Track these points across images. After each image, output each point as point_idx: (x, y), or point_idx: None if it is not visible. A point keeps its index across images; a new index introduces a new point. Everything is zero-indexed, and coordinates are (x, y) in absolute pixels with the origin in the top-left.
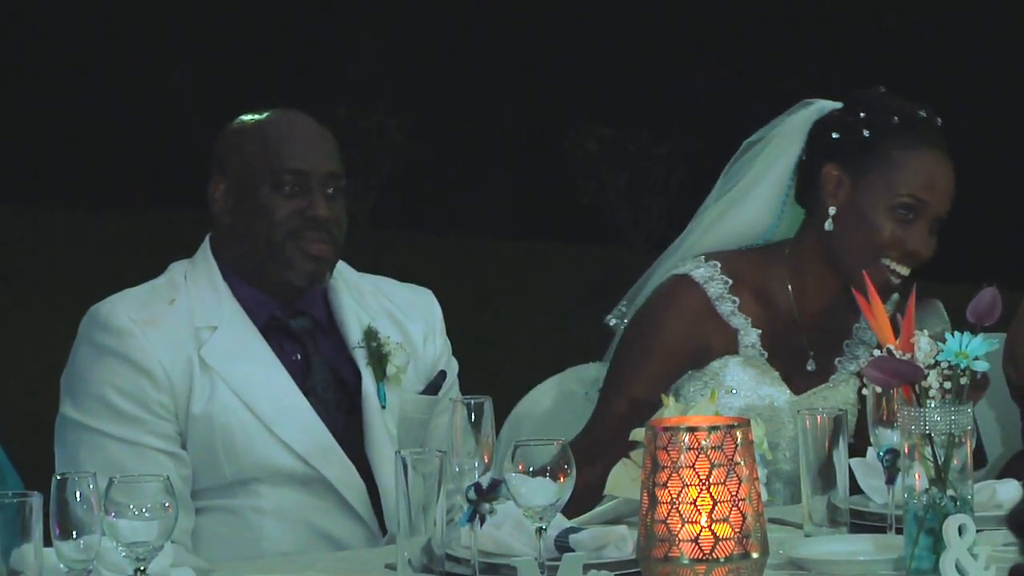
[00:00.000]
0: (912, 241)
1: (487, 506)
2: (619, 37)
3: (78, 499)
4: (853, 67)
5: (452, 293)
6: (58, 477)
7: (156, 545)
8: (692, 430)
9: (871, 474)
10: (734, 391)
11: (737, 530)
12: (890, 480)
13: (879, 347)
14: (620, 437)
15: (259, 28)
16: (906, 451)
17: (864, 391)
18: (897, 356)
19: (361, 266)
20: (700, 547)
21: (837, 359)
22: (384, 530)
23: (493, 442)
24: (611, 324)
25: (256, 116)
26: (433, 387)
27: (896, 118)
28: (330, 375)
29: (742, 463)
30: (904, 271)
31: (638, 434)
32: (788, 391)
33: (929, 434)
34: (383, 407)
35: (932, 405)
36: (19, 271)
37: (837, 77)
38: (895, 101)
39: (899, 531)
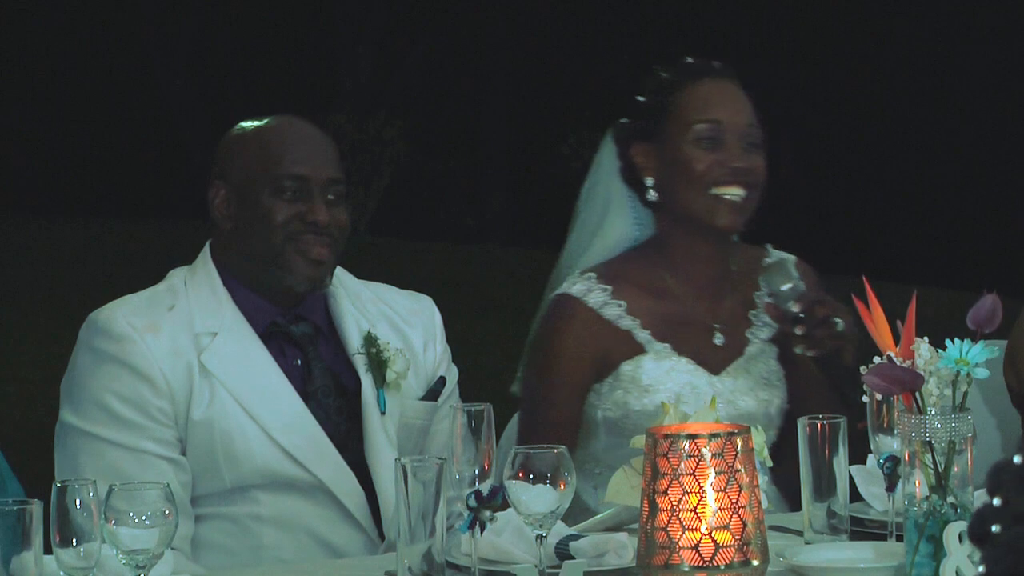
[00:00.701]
0: (729, 159)
1: (487, 513)
2: (618, 45)
3: (78, 506)
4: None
5: (452, 301)
6: (58, 484)
7: (156, 553)
8: (692, 437)
9: (871, 481)
10: (652, 387)
11: (737, 537)
12: (890, 487)
13: (880, 355)
14: None
15: (259, 40)
16: (906, 458)
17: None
18: (897, 363)
19: (361, 273)
20: (700, 554)
21: (747, 330)
22: (383, 536)
23: (493, 449)
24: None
25: (256, 122)
26: (433, 393)
27: (664, 74)
28: (331, 381)
29: (742, 470)
30: (737, 192)
31: (638, 441)
32: (705, 372)
33: (930, 441)
34: (383, 413)
35: (932, 412)
36: (19, 280)
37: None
38: (667, 64)
39: (899, 538)
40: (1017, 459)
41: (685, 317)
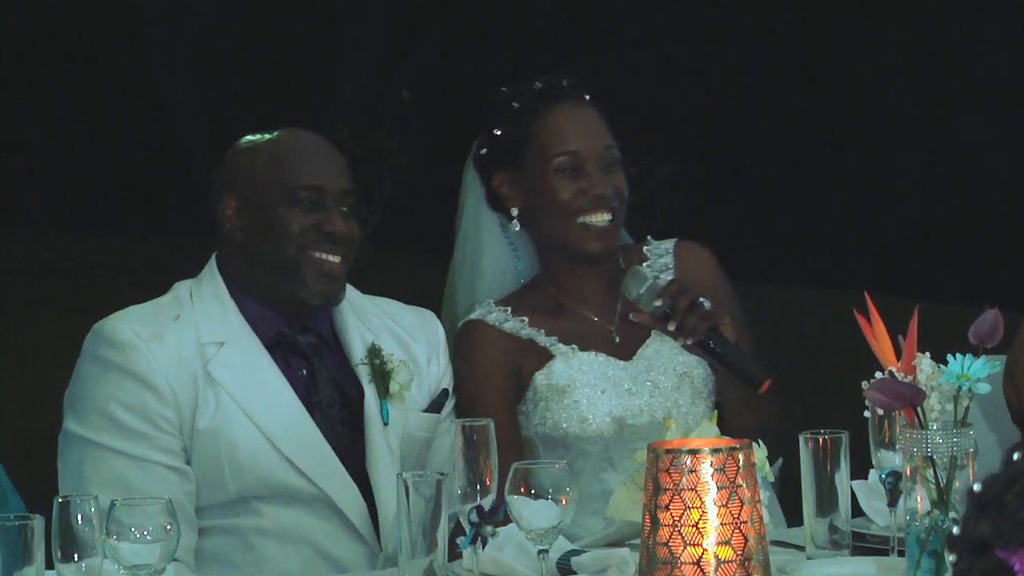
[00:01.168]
0: (591, 187)
1: (489, 528)
2: (620, 59)
3: (80, 521)
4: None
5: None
6: (60, 500)
7: (158, 568)
8: (694, 452)
9: (873, 496)
10: (570, 385)
11: (739, 552)
12: (892, 502)
13: (881, 370)
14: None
15: (260, 54)
16: (908, 473)
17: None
18: (899, 378)
19: (362, 287)
20: (702, 570)
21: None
22: (382, 548)
23: (494, 464)
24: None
25: (265, 135)
26: (436, 405)
27: (515, 103)
28: (335, 391)
29: (744, 485)
30: (603, 217)
31: (640, 456)
32: (616, 360)
33: (931, 456)
34: (385, 424)
35: (934, 427)
36: (20, 293)
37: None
38: (511, 90)
39: (901, 553)
40: (976, 487)
41: (584, 326)
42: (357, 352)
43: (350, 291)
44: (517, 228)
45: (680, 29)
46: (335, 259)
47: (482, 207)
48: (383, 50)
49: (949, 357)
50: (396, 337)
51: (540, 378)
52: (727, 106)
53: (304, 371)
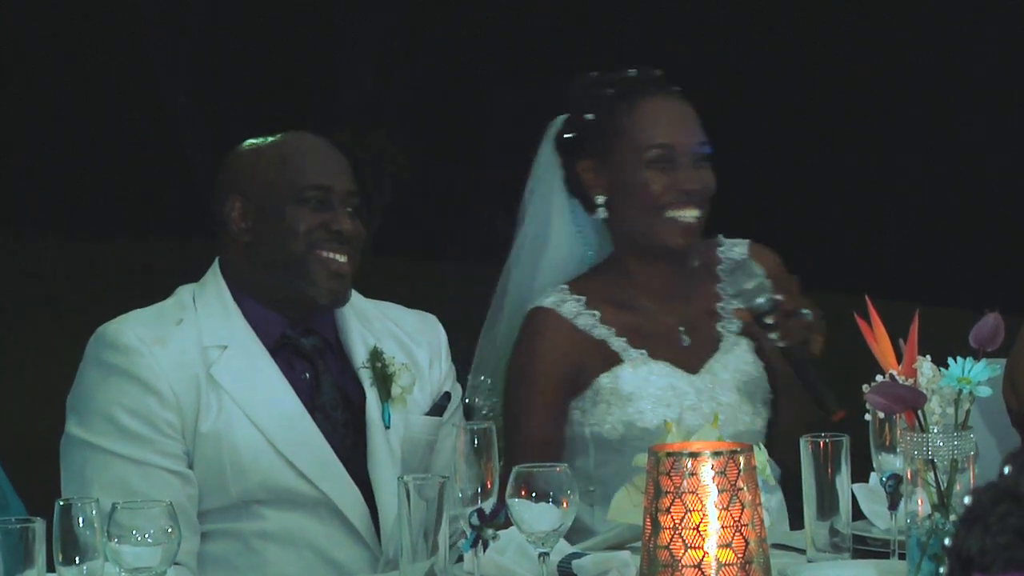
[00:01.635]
0: (682, 182)
1: (490, 532)
2: (620, 58)
3: (81, 524)
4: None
5: (454, 320)
6: (61, 502)
7: (159, 571)
8: (695, 455)
9: (874, 499)
10: (634, 395)
11: (740, 555)
12: (893, 506)
13: (882, 373)
14: None
15: (260, 58)
16: (909, 476)
17: (774, 341)
18: (899, 381)
19: (362, 292)
20: (703, 572)
21: (717, 324)
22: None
23: (496, 468)
24: (475, 402)
25: (268, 138)
26: (438, 409)
27: (610, 90)
28: (339, 394)
29: (745, 488)
30: (692, 213)
31: (640, 459)
32: (683, 373)
33: (932, 459)
34: (387, 427)
35: (935, 430)
36: (22, 296)
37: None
38: (604, 77)
39: (902, 556)
40: (967, 499)
41: (654, 325)
42: (359, 355)
43: (353, 295)
44: (604, 216)
45: (680, 29)
46: (342, 258)
47: (556, 190)
48: (383, 51)
49: (950, 360)
50: (398, 340)
51: (605, 380)
52: (726, 106)
53: (307, 374)
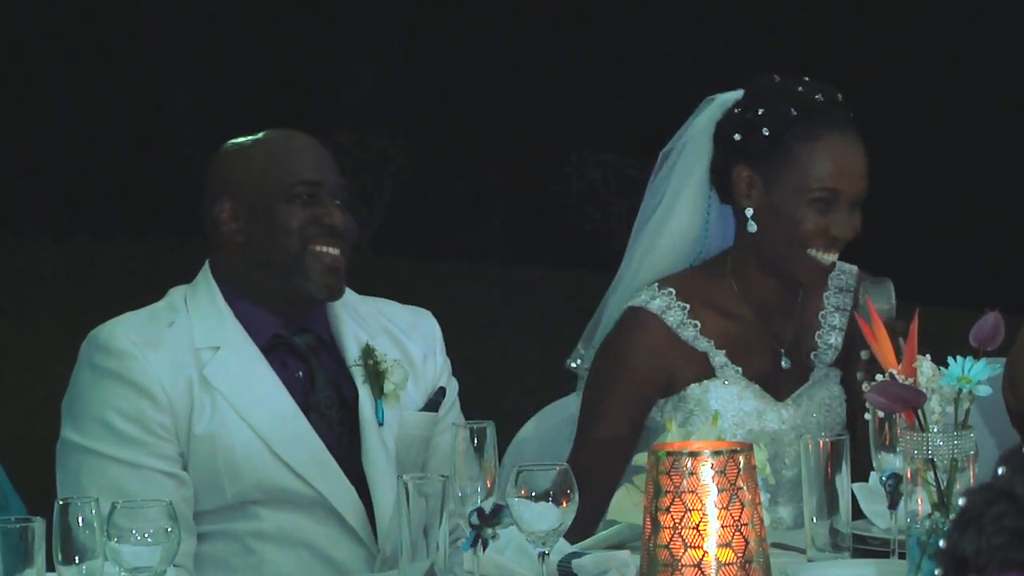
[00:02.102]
0: (835, 227)
1: (489, 531)
2: (620, 62)
3: (80, 524)
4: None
5: (454, 320)
6: (61, 502)
7: (159, 570)
8: (695, 455)
9: (874, 499)
10: (721, 414)
11: (740, 555)
12: (893, 505)
13: (873, 363)
14: (596, 469)
15: (260, 58)
16: (909, 476)
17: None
18: (899, 380)
19: (362, 292)
20: (703, 572)
21: (812, 353)
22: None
23: (495, 467)
24: (572, 367)
25: (251, 137)
26: (433, 404)
27: (793, 110)
28: (333, 392)
29: (745, 488)
30: (831, 257)
31: (640, 459)
32: (771, 399)
33: (932, 459)
34: (380, 424)
35: (935, 430)
36: (21, 297)
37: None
38: (790, 89)
39: (902, 556)
40: (961, 500)
41: (755, 340)
42: (352, 353)
43: (346, 291)
44: (754, 229)
45: (680, 29)
46: (335, 251)
47: (698, 171)
48: (383, 51)
49: (950, 360)
50: (391, 336)
51: (695, 390)
52: None
53: (301, 372)
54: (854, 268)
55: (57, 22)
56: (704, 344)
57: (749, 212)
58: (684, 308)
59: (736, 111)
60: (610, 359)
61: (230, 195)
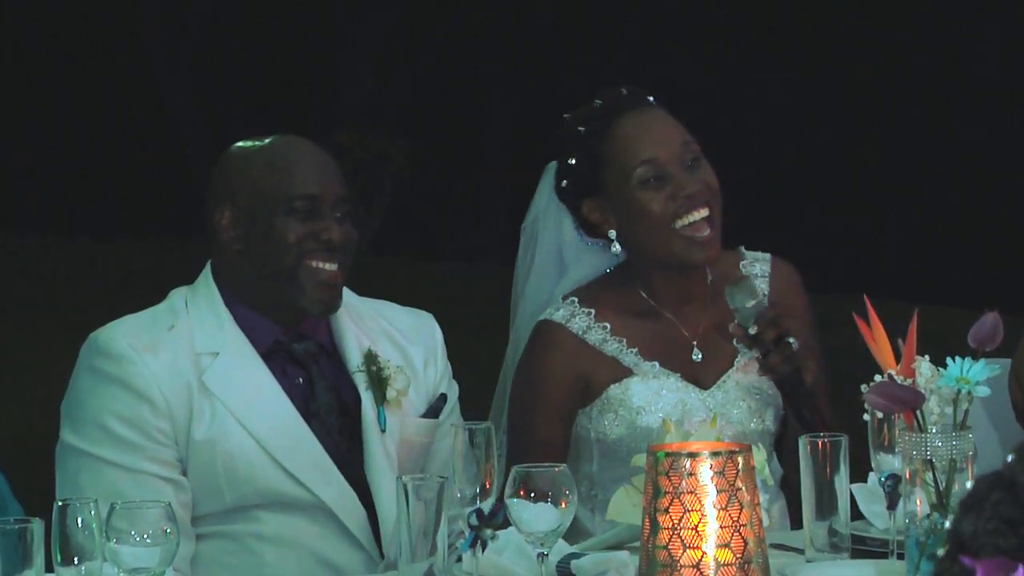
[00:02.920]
0: (678, 188)
1: (488, 532)
2: (621, 61)
3: (79, 525)
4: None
5: (454, 320)
6: (60, 503)
7: (157, 572)
8: (693, 456)
9: (872, 499)
10: (644, 409)
11: (739, 555)
12: (891, 505)
13: (881, 373)
14: None
15: (261, 57)
16: (907, 476)
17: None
18: (898, 381)
19: (362, 292)
20: (701, 572)
21: (733, 339)
22: (383, 555)
23: (494, 468)
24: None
25: (257, 142)
26: (434, 411)
27: (582, 128)
28: (333, 399)
29: (743, 488)
30: (700, 214)
31: (639, 459)
32: (695, 388)
33: (930, 459)
34: (383, 431)
35: (933, 430)
36: (21, 298)
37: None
38: (577, 113)
39: (901, 556)
40: (968, 483)
41: (667, 336)
42: (354, 359)
43: (346, 295)
44: (618, 250)
45: (680, 29)
46: (332, 267)
47: (566, 233)
48: (383, 51)
49: (948, 360)
50: (393, 341)
51: (615, 391)
52: (726, 107)
53: (301, 379)
54: (767, 255)
55: (57, 22)
56: (614, 345)
57: (613, 234)
58: (589, 313)
59: (555, 164)
60: (525, 374)
61: (231, 202)
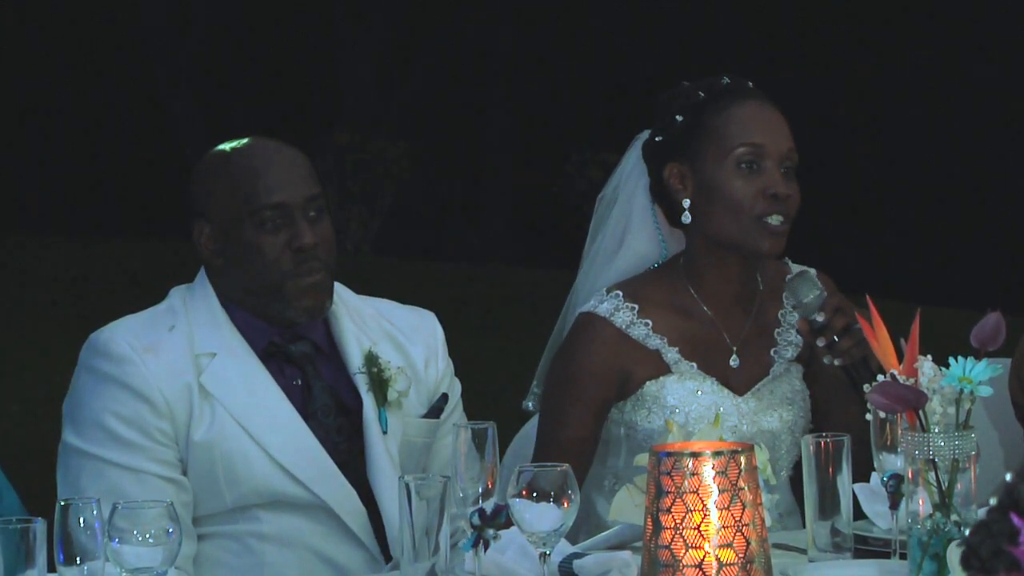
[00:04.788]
0: (768, 185)
1: (491, 531)
2: (623, 62)
3: (82, 525)
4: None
5: (454, 320)
6: (62, 503)
7: (159, 571)
8: (696, 455)
9: (875, 499)
10: (677, 409)
11: (741, 555)
12: (894, 505)
13: (881, 371)
14: None
15: (262, 59)
16: (910, 476)
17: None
18: (900, 381)
19: (363, 293)
20: (704, 572)
21: (772, 350)
22: (387, 556)
23: (497, 467)
24: (529, 407)
25: (224, 149)
26: (435, 411)
27: (701, 93)
28: (331, 400)
29: (746, 488)
30: (778, 220)
31: (642, 459)
32: (729, 393)
33: (933, 459)
34: (384, 432)
35: (936, 430)
36: (21, 299)
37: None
38: (697, 83)
39: (903, 556)
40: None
41: (710, 337)
42: (355, 360)
43: (346, 294)
44: (688, 220)
45: (680, 29)
46: (316, 278)
47: (639, 195)
48: (383, 51)
49: (951, 360)
50: (393, 340)
51: (651, 388)
52: None
53: (298, 380)
54: (812, 270)
55: (57, 22)
56: (656, 341)
57: (686, 203)
58: (633, 308)
59: (655, 124)
60: (564, 365)
61: (205, 218)
